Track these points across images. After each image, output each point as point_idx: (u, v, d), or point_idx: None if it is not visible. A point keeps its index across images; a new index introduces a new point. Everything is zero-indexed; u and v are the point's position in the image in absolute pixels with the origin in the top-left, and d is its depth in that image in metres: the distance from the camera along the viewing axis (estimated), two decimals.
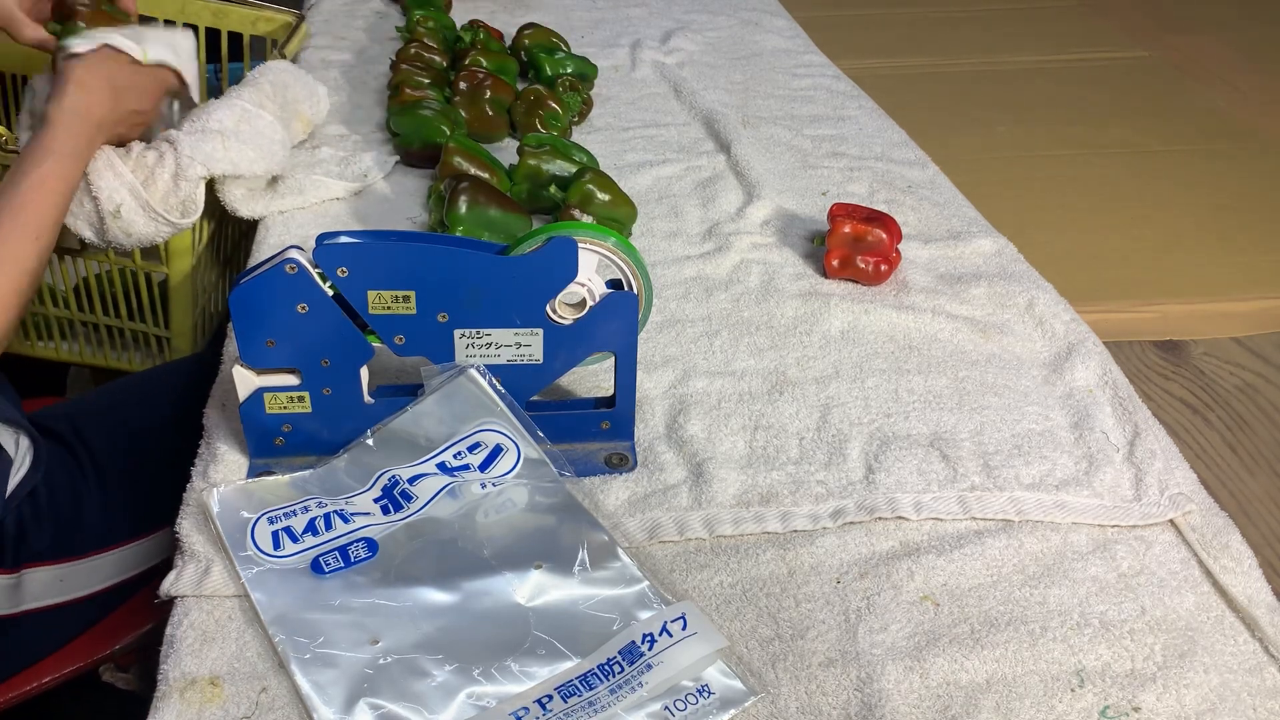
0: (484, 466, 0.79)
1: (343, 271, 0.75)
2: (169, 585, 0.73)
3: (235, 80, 1.23)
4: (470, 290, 0.77)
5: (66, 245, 1.10)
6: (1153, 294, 1.25)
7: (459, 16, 1.62)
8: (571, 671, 0.67)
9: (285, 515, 0.76)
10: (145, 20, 1.25)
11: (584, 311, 0.79)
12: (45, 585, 0.96)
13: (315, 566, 0.73)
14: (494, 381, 0.81)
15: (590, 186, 1.11)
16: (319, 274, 0.75)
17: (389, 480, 0.78)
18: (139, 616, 1.03)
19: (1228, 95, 1.77)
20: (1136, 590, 0.75)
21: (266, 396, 0.79)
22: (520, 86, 1.37)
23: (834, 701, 0.67)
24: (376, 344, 0.78)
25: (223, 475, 0.82)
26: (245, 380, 0.78)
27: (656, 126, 1.42)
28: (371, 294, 0.76)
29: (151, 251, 1.14)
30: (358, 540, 0.74)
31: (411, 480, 0.78)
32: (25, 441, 0.96)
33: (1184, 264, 1.32)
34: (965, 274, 1.11)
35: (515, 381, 0.81)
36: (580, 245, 0.77)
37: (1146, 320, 1.22)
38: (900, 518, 0.80)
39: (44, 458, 0.97)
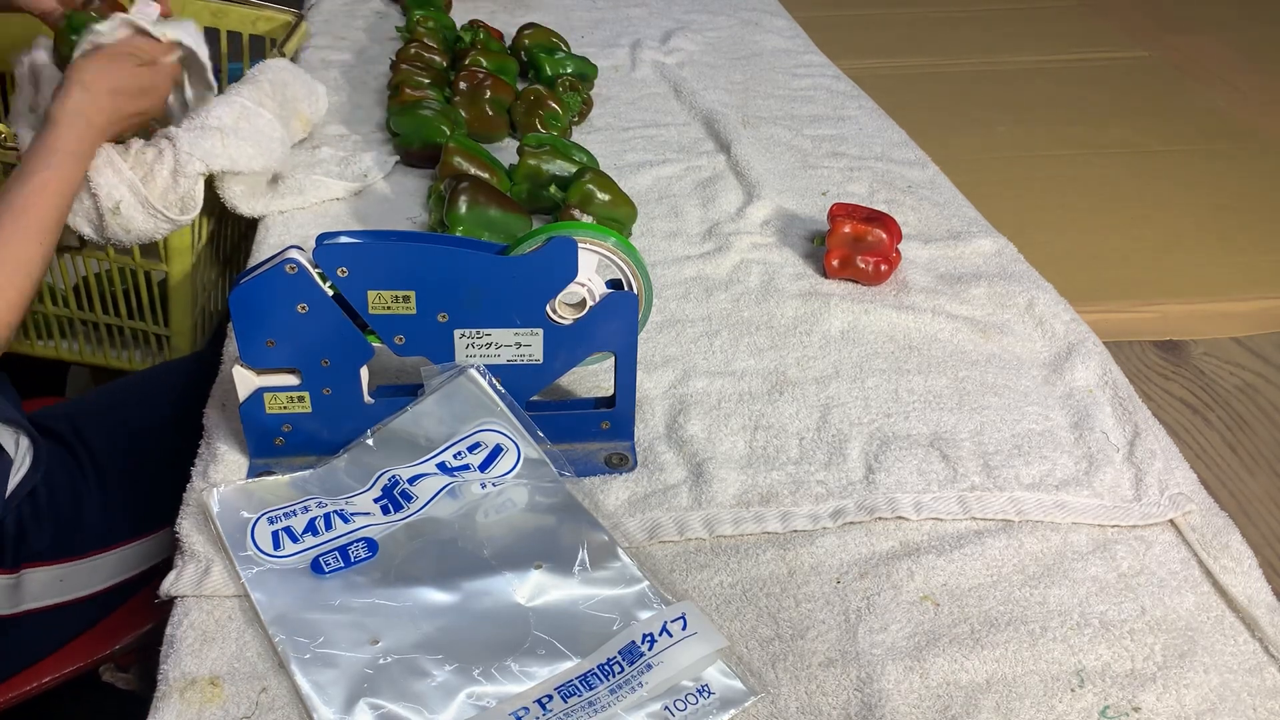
0: (484, 466, 0.79)
1: (343, 271, 0.75)
2: (169, 585, 0.73)
3: (234, 78, 1.23)
4: (470, 290, 0.77)
5: (66, 242, 1.10)
6: (1153, 294, 1.25)
7: (459, 16, 1.62)
8: (571, 671, 0.67)
9: (285, 515, 0.76)
10: None
11: (584, 311, 0.79)
12: (45, 585, 0.96)
13: (315, 566, 0.73)
14: (494, 381, 0.81)
15: (590, 186, 1.11)
16: (319, 274, 0.75)
17: (389, 480, 0.78)
18: (139, 616, 1.03)
19: (1228, 95, 1.77)
20: (1136, 590, 0.75)
21: (266, 396, 0.79)
22: (520, 86, 1.37)
23: (834, 701, 0.67)
24: (376, 344, 0.78)
25: (223, 475, 0.82)
26: (245, 380, 0.78)
27: (656, 126, 1.42)
28: (371, 294, 0.76)
29: (151, 250, 1.14)
30: (358, 540, 0.74)
31: (411, 480, 0.78)
32: (25, 441, 0.96)
33: (1184, 264, 1.32)
34: (965, 274, 1.11)
35: (515, 381, 0.81)
36: (580, 245, 0.77)
37: (1146, 320, 1.22)
38: (900, 518, 0.80)
39: (44, 458, 0.97)
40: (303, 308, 0.75)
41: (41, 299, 1.23)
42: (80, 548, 0.98)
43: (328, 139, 1.31)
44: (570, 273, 0.77)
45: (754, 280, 1.09)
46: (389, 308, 0.77)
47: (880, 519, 0.80)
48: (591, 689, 0.65)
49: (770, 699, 0.67)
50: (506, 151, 1.28)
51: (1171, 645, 0.71)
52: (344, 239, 0.75)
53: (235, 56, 1.53)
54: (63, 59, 1.05)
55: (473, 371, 0.80)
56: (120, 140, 1.05)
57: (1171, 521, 0.81)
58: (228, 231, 1.30)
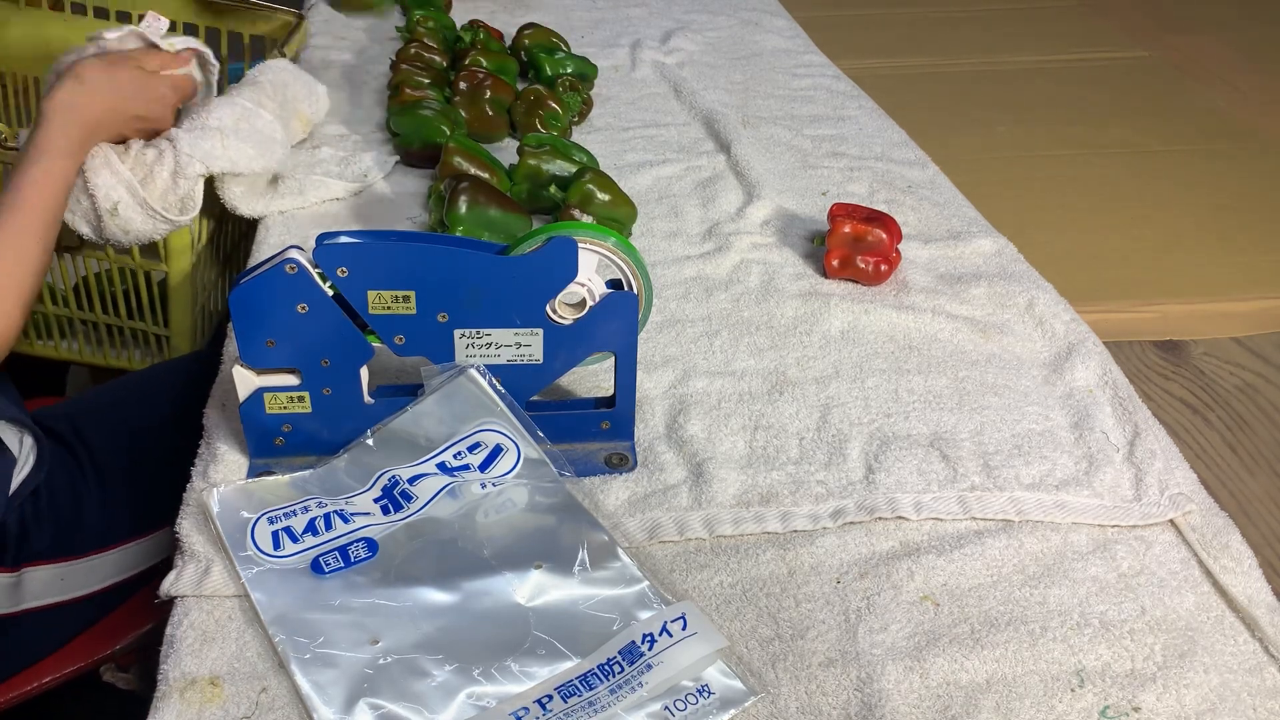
0: (484, 466, 0.79)
1: (343, 271, 0.75)
2: (169, 585, 0.73)
3: (235, 78, 1.23)
4: (470, 290, 0.77)
5: (66, 242, 1.10)
6: (1153, 294, 1.25)
7: (459, 16, 1.62)
8: (571, 671, 0.67)
9: (285, 515, 0.76)
10: None
11: (584, 311, 0.79)
12: (46, 584, 0.97)
13: (315, 566, 0.73)
14: (494, 381, 0.81)
15: (590, 186, 1.11)
16: (319, 274, 0.75)
17: (389, 480, 0.78)
18: (139, 616, 1.03)
19: (1228, 95, 1.77)
20: (1136, 590, 0.75)
21: (266, 396, 0.79)
22: (520, 86, 1.37)
23: (834, 701, 0.67)
24: (376, 344, 0.78)
25: (223, 475, 0.82)
26: (245, 380, 0.78)
27: (656, 126, 1.42)
28: (371, 294, 0.76)
29: (151, 250, 1.14)
30: (358, 540, 0.74)
31: (411, 480, 0.78)
32: (29, 441, 0.96)
33: (1184, 264, 1.32)
34: (965, 274, 1.11)
35: (515, 381, 0.81)
36: (580, 245, 0.77)
37: (1146, 320, 1.22)
38: (900, 518, 0.80)
39: (46, 457, 0.97)
40: (303, 308, 0.75)
41: (41, 299, 1.23)
42: (80, 547, 0.98)
43: (328, 139, 1.31)
44: (570, 273, 0.77)
45: (754, 280, 1.09)
46: (389, 308, 0.77)
47: (880, 519, 0.80)
48: (591, 689, 0.65)
49: (770, 699, 0.67)
50: (506, 151, 1.28)
51: (1171, 645, 0.71)
52: (344, 239, 0.75)
53: (236, 57, 1.53)
54: None
55: (473, 371, 0.80)
56: (122, 141, 1.05)
57: (1171, 521, 0.81)
58: (228, 230, 1.30)
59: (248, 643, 0.69)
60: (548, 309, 0.79)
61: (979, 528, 0.80)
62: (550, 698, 0.65)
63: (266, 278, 0.74)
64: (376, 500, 0.77)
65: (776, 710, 0.66)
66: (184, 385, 1.02)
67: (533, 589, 0.72)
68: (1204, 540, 0.79)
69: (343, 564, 0.73)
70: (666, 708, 0.65)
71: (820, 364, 0.97)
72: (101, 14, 1.46)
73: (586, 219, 1.08)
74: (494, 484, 0.78)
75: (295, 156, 1.23)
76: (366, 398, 0.80)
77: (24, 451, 0.95)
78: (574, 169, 1.16)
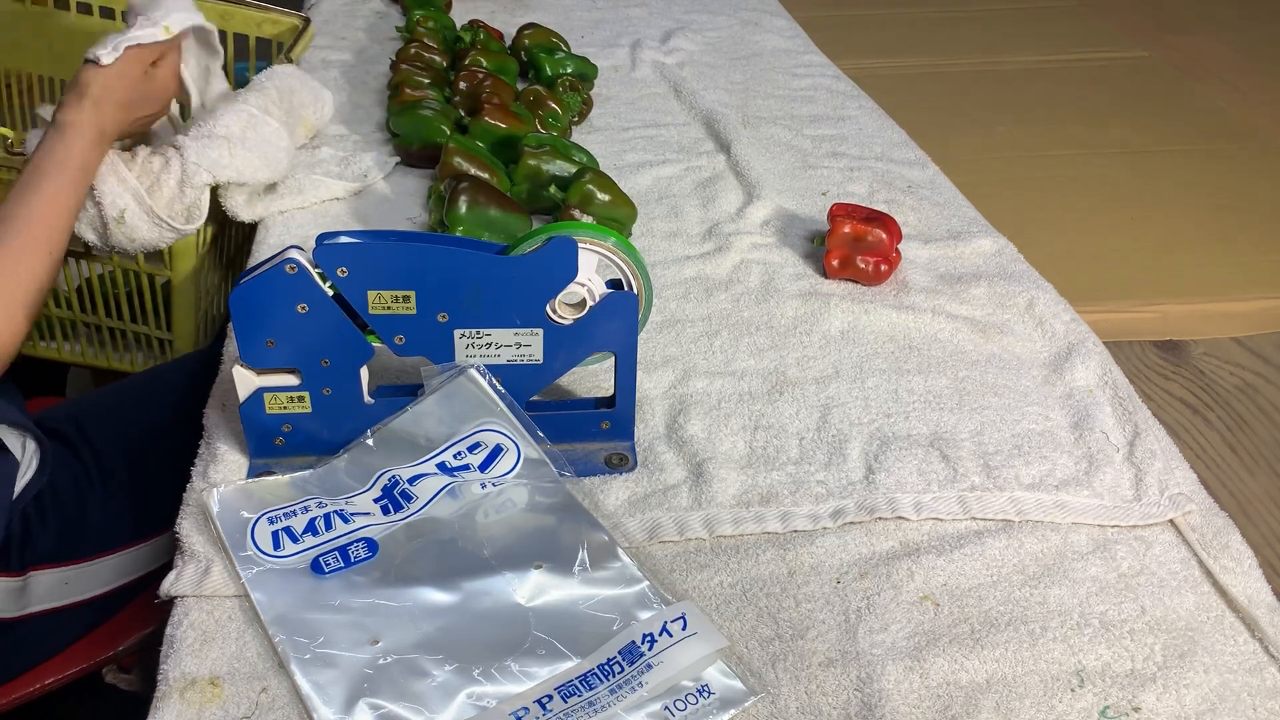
0: (484, 466, 0.79)
1: (343, 271, 0.75)
2: (169, 585, 0.73)
3: (240, 80, 1.23)
4: (470, 290, 0.77)
5: (71, 248, 1.10)
6: (1153, 294, 1.25)
7: (459, 16, 1.62)
8: (571, 671, 0.67)
9: (285, 515, 0.76)
10: None
11: (584, 311, 0.79)
12: (50, 588, 0.96)
13: (315, 566, 0.73)
14: (494, 381, 0.81)
15: (590, 186, 1.11)
16: (319, 274, 0.75)
17: (389, 480, 0.78)
18: (141, 619, 1.03)
19: (1228, 95, 1.77)
20: (1136, 590, 0.75)
21: (266, 396, 0.79)
22: (520, 86, 1.37)
23: (834, 701, 0.67)
24: (376, 344, 0.78)
25: (223, 475, 0.82)
26: (245, 380, 0.78)
27: (656, 126, 1.42)
28: (371, 294, 0.76)
29: (155, 254, 1.14)
30: (358, 540, 0.74)
31: (411, 480, 0.78)
32: (32, 444, 0.96)
33: (1184, 264, 1.32)
34: (965, 274, 1.11)
35: (515, 381, 0.81)
36: (580, 245, 0.77)
37: (1146, 320, 1.22)
38: (900, 518, 0.80)
39: (49, 460, 0.97)
40: (303, 308, 0.75)
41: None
42: (85, 550, 0.98)
43: (328, 139, 1.31)
44: (570, 273, 0.77)
45: (754, 280, 1.09)
46: (389, 308, 0.77)
47: (880, 519, 0.80)
48: (591, 689, 0.65)
49: (770, 699, 0.67)
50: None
51: (1171, 645, 0.71)
52: (344, 239, 0.75)
53: (241, 58, 1.53)
54: None
55: (473, 371, 0.80)
56: (124, 141, 1.05)
57: (1171, 521, 0.81)
58: (231, 234, 1.30)
59: (248, 643, 0.69)
60: (548, 309, 0.79)
61: (979, 528, 0.80)
62: (550, 698, 0.65)
63: (266, 278, 0.74)
64: (376, 500, 0.77)
65: (776, 710, 0.66)
66: (185, 386, 1.02)
67: (533, 589, 0.72)
68: (1204, 540, 0.79)
69: (343, 564, 0.73)
70: (666, 708, 0.65)
71: (820, 364, 0.97)
72: (108, 13, 1.46)
73: (586, 219, 1.08)
74: (494, 484, 0.78)
75: (296, 157, 1.23)
76: (366, 398, 0.80)
77: (27, 455, 0.95)
78: (574, 169, 1.16)
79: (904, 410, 0.91)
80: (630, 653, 0.67)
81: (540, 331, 0.79)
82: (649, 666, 0.66)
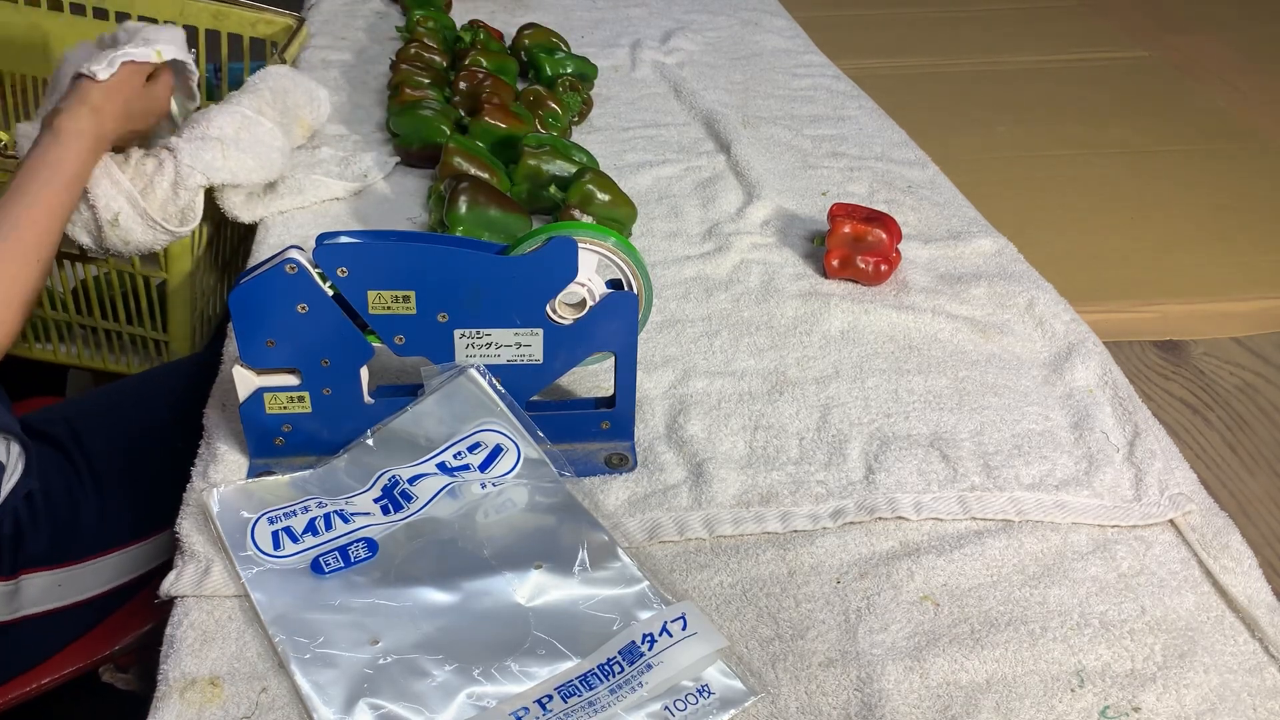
0: (484, 466, 0.79)
1: (343, 271, 0.75)
2: (169, 585, 0.73)
3: (235, 80, 1.23)
4: (470, 290, 0.77)
5: (66, 250, 1.10)
6: (1153, 294, 1.25)
7: (459, 16, 1.62)
8: (571, 671, 0.67)
9: (285, 515, 0.76)
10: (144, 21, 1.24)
11: (584, 311, 0.79)
12: (43, 590, 0.96)
13: (315, 566, 0.73)
14: (494, 381, 0.81)
15: (590, 186, 1.11)
16: (319, 274, 0.75)
17: (389, 480, 0.78)
18: (138, 618, 1.03)
19: (1228, 95, 1.77)
20: (1136, 590, 0.75)
21: (266, 396, 0.79)
22: (520, 86, 1.37)
23: (834, 701, 0.67)
24: (376, 344, 0.78)
25: (223, 475, 0.82)
26: (245, 380, 0.78)
27: (656, 126, 1.42)
28: (371, 294, 0.76)
29: (150, 256, 1.14)
30: (358, 540, 0.74)
31: (411, 480, 0.78)
32: (16, 448, 0.96)
33: (1184, 264, 1.32)
34: (965, 274, 1.11)
35: (515, 381, 0.81)
36: (580, 245, 0.77)
37: (1146, 320, 1.22)
38: (900, 518, 0.80)
39: (35, 464, 0.97)
40: (303, 308, 0.75)
41: (40, 303, 1.22)
42: (77, 552, 0.98)
43: (328, 139, 1.31)
44: (570, 273, 0.77)
45: (754, 280, 1.09)
46: (389, 308, 0.77)
47: (880, 519, 0.80)
48: (591, 689, 0.65)
49: (770, 699, 0.67)
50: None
51: (1171, 645, 0.71)
52: (344, 239, 0.75)
53: (235, 57, 1.53)
54: None
55: (473, 371, 0.80)
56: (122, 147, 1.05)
57: (1171, 521, 0.81)
58: (226, 235, 1.30)
59: (248, 643, 0.69)
60: (548, 309, 0.79)
61: (979, 528, 0.80)
62: (550, 698, 0.65)
63: (266, 278, 0.74)
64: (376, 500, 0.77)
65: (776, 710, 0.66)
66: (184, 387, 1.02)
67: (533, 589, 0.72)
68: (1204, 540, 0.79)
69: (343, 564, 0.73)
70: (666, 708, 0.65)
71: (820, 364, 0.97)
72: (100, 14, 1.46)
73: (586, 219, 1.08)
74: (494, 484, 0.78)
75: (295, 157, 1.23)
76: (366, 398, 0.80)
77: (11, 459, 0.95)
78: (574, 169, 1.16)
79: (904, 410, 0.91)
80: (630, 653, 0.67)
81: (540, 331, 0.79)
82: (649, 666, 0.66)
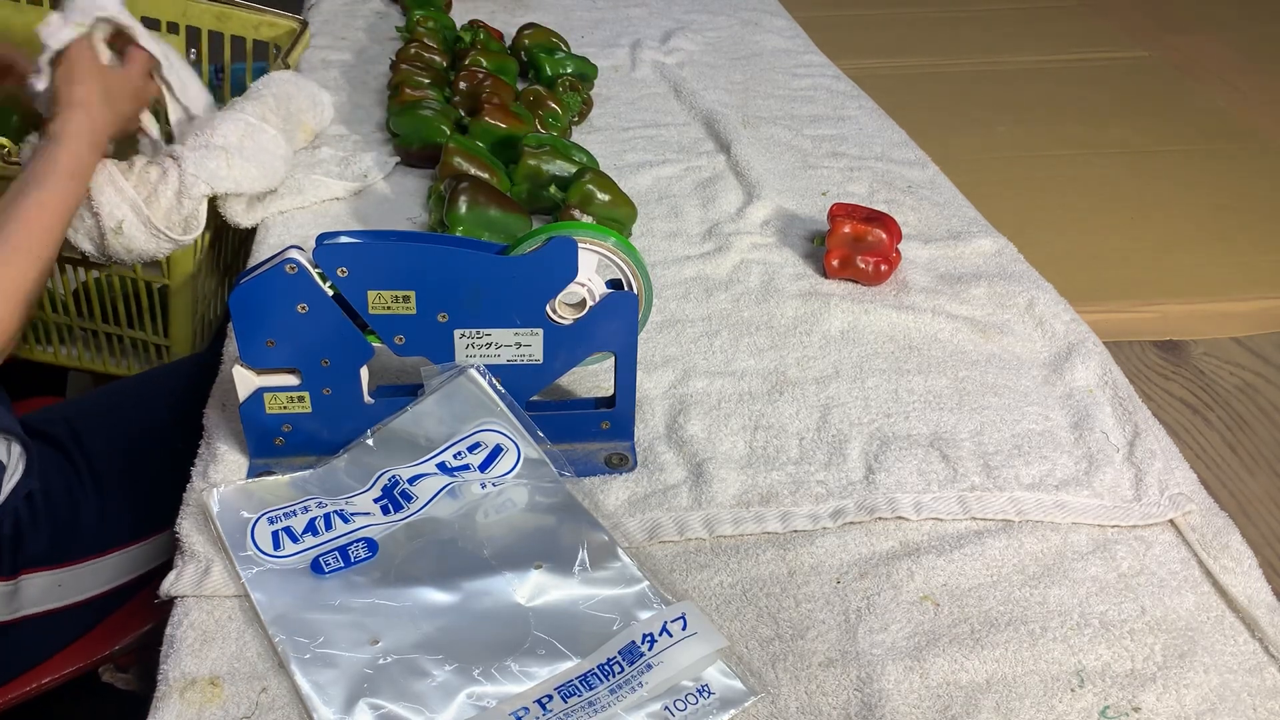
0: (484, 466, 0.79)
1: (343, 271, 0.75)
2: (169, 585, 0.73)
3: (236, 81, 1.23)
4: (470, 290, 0.77)
5: (68, 255, 1.10)
6: (1153, 294, 1.25)
7: (459, 16, 1.62)
8: (571, 671, 0.67)
9: (285, 515, 0.76)
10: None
11: (584, 311, 0.79)
12: (43, 590, 0.96)
13: (315, 566, 0.73)
14: (494, 381, 0.81)
15: (590, 186, 1.11)
16: (319, 274, 0.75)
17: (389, 480, 0.78)
18: (137, 618, 1.03)
19: (1228, 95, 1.77)
20: (1136, 590, 0.75)
21: (266, 396, 0.79)
22: (520, 86, 1.37)
23: (834, 701, 0.67)
24: (376, 344, 0.78)
25: (223, 475, 0.82)
26: (245, 380, 0.78)
27: (656, 126, 1.42)
28: (371, 294, 0.76)
29: (152, 262, 1.14)
30: (358, 540, 0.74)
31: (411, 480, 0.78)
32: (17, 449, 0.96)
33: (1184, 264, 1.32)
34: (965, 274, 1.11)
35: (515, 381, 0.81)
36: (580, 245, 0.77)
37: (1146, 320, 1.22)
38: (900, 518, 0.80)
39: (36, 465, 0.97)
40: (303, 308, 0.75)
41: (41, 305, 1.22)
42: (77, 552, 0.98)
43: (328, 139, 1.31)
44: (570, 273, 0.77)
45: (754, 280, 1.09)
46: (389, 308, 0.77)
47: (880, 519, 0.80)
48: (591, 689, 0.65)
49: (770, 699, 0.67)
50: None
51: (1171, 645, 0.71)
52: (344, 239, 0.75)
53: (238, 59, 1.53)
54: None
55: (473, 371, 0.80)
56: (121, 146, 1.05)
57: (1171, 521, 0.81)
58: (227, 239, 1.30)
59: (248, 643, 0.69)
60: (548, 309, 0.79)
61: (979, 528, 0.80)
62: (550, 698, 0.65)
63: (266, 278, 0.74)
64: (376, 500, 0.77)
65: (776, 710, 0.66)
66: (183, 388, 1.02)
67: (533, 589, 0.72)
68: (1204, 540, 0.79)
69: (343, 564, 0.73)
70: (666, 708, 0.65)
71: (820, 364, 0.97)
72: None
73: (586, 219, 1.08)
74: (494, 484, 0.78)
75: (295, 157, 1.23)
76: (366, 398, 0.80)
77: (12, 459, 0.95)
78: (574, 169, 1.16)
79: (904, 410, 0.91)
80: (630, 653, 0.67)
81: (540, 331, 0.79)
82: (649, 666, 0.66)
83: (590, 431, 0.85)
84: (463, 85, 1.33)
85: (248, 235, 1.19)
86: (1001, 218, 1.21)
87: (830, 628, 0.72)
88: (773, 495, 0.82)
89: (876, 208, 1.14)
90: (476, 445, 0.79)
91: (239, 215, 1.12)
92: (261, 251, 1.10)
